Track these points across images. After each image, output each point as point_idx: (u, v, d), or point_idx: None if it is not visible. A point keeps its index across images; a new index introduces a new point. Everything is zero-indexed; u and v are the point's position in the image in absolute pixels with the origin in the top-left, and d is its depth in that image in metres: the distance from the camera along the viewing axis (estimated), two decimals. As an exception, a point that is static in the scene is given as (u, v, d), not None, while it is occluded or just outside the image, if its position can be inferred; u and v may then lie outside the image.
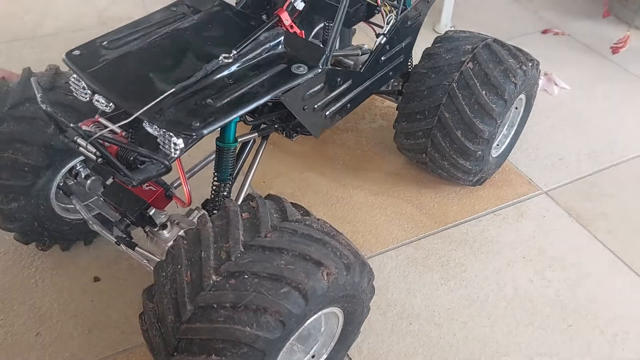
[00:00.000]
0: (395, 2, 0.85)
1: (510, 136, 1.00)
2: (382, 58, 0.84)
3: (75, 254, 0.86)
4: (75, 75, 0.67)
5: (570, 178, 1.04)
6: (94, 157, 0.62)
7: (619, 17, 1.48)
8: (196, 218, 0.72)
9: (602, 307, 0.82)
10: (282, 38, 0.71)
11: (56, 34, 1.38)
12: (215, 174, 0.73)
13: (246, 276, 0.53)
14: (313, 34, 1.03)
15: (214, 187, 0.73)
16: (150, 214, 0.69)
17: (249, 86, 0.65)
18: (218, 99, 0.63)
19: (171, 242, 0.67)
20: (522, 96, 0.95)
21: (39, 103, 0.63)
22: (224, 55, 0.66)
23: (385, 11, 0.83)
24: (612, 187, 1.02)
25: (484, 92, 0.85)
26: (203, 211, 0.72)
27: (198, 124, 0.60)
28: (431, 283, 0.84)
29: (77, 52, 0.69)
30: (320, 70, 0.69)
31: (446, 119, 0.86)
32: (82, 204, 0.78)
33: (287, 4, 0.80)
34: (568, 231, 0.94)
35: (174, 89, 0.62)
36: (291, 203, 0.64)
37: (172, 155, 0.61)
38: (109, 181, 0.75)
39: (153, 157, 0.61)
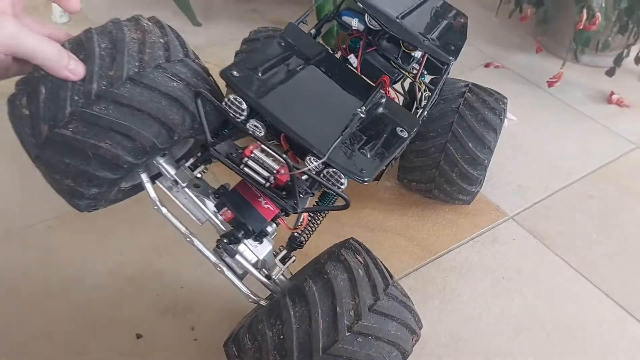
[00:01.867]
0: (432, 87, 0.98)
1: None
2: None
3: (113, 313, 0.93)
4: (234, 96, 0.68)
5: (529, 203, 1.22)
6: (263, 181, 0.66)
7: (550, 52, 1.71)
8: (272, 234, 0.76)
9: (570, 314, 0.99)
10: (384, 101, 0.80)
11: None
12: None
13: (370, 338, 0.63)
14: None
15: (311, 217, 0.82)
16: (268, 230, 0.74)
17: (380, 142, 0.74)
18: (367, 150, 0.72)
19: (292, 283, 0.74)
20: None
21: (234, 119, 0.66)
22: (359, 109, 0.74)
23: (419, 88, 0.96)
24: (563, 208, 1.21)
25: (485, 111, 1.03)
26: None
27: (364, 172, 0.68)
28: (434, 309, 0.98)
29: (235, 73, 0.70)
30: (412, 135, 0.79)
31: (459, 133, 1.02)
32: (149, 180, 0.75)
33: (358, 65, 0.91)
34: (534, 251, 1.11)
35: (340, 137, 0.69)
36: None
37: (339, 191, 0.68)
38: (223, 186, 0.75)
39: (342, 195, 0.67)
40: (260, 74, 0.73)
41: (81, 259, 1.00)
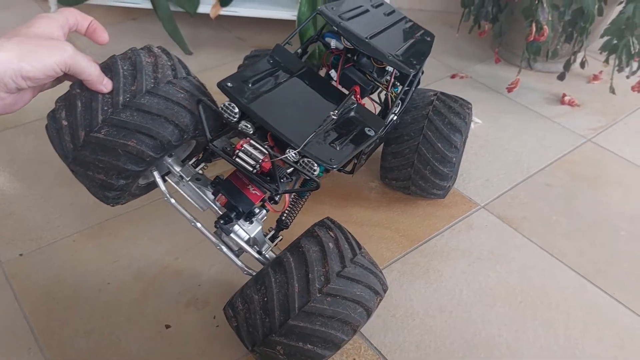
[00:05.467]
0: (402, 96, 1.14)
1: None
2: (389, 130, 1.15)
3: (141, 310, 1.05)
4: (228, 102, 0.84)
5: (496, 194, 1.38)
6: (251, 168, 0.82)
7: (508, 61, 1.90)
8: (261, 215, 0.92)
9: (537, 285, 1.15)
10: (355, 106, 0.96)
11: (42, 119, 1.52)
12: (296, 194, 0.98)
13: (338, 297, 0.78)
14: None
15: (293, 201, 0.98)
16: (256, 211, 0.90)
17: (349, 138, 0.90)
18: (336, 144, 0.87)
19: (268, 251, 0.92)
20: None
21: (230, 121, 0.82)
22: (332, 112, 0.90)
23: (392, 97, 1.11)
24: (526, 197, 1.38)
25: (451, 116, 1.18)
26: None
27: (333, 160, 0.83)
28: (420, 287, 1.13)
29: (229, 84, 0.86)
30: (379, 134, 0.95)
31: (430, 135, 1.17)
32: (160, 177, 0.92)
33: (338, 79, 1.08)
34: (504, 234, 1.27)
35: (314, 133, 0.85)
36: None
37: (314, 177, 0.84)
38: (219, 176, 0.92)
39: (313, 177, 0.83)
40: (250, 85, 0.91)
41: (106, 266, 1.12)
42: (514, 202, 1.36)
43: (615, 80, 1.69)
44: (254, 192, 0.89)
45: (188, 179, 0.93)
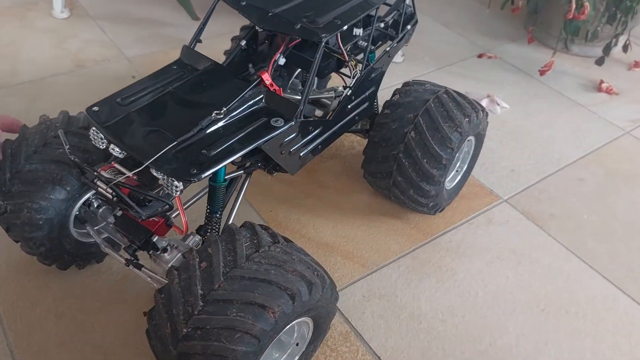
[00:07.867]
0: (360, 58, 1.01)
1: (462, 173, 1.16)
2: (349, 107, 0.99)
3: (119, 294, 0.95)
4: (94, 128, 0.79)
5: (522, 186, 1.25)
6: (111, 197, 0.76)
7: (541, 42, 1.74)
8: (191, 242, 0.85)
9: (563, 291, 1.03)
10: (263, 96, 0.85)
11: (34, 81, 1.42)
12: (208, 207, 0.88)
13: (208, 327, 0.66)
14: (293, 77, 1.18)
15: (207, 218, 0.88)
16: (154, 240, 0.82)
17: (237, 138, 0.80)
18: (211, 149, 0.77)
19: (170, 265, 0.81)
20: (471, 138, 1.10)
21: (68, 154, 0.78)
22: (215, 112, 0.80)
23: (352, 66, 0.98)
24: (556, 191, 1.25)
25: (425, 161, 0.99)
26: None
27: (195, 171, 0.74)
28: (430, 287, 1.01)
29: (95, 108, 0.82)
30: (294, 122, 0.83)
31: (398, 180, 1.03)
32: (95, 229, 0.90)
33: (272, 63, 0.96)
34: (528, 232, 1.14)
35: (175, 142, 0.76)
36: (248, 232, 0.75)
37: (173, 195, 0.76)
38: (119, 213, 0.87)
39: (159, 198, 0.75)
40: (125, 103, 0.83)
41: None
42: (542, 196, 1.23)
43: (660, 68, 1.53)
44: (151, 219, 0.80)
45: (112, 223, 0.89)
